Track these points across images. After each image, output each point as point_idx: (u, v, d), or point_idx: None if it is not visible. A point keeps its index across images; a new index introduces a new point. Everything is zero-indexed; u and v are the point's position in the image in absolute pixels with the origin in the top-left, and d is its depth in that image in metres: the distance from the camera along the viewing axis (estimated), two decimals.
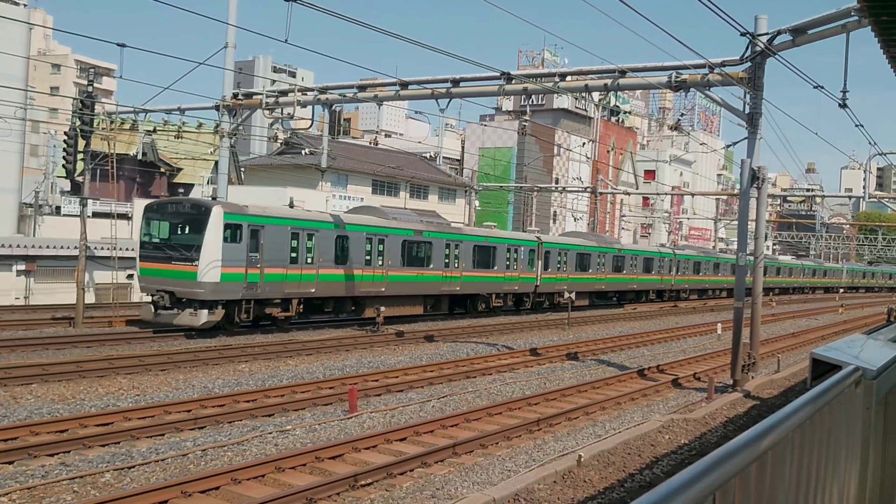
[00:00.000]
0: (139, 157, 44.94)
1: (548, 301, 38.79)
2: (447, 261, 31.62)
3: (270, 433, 12.33)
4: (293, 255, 24.83)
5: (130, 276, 35.21)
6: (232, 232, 22.97)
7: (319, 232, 25.87)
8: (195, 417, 13.03)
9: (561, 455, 11.40)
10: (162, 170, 48.71)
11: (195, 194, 47.51)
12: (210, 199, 25.32)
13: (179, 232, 23.69)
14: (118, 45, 22.29)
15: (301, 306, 25.65)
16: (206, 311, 22.46)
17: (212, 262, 22.28)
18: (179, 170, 49.57)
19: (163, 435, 12.14)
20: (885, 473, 3.83)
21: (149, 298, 23.71)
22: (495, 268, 34.45)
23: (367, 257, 27.76)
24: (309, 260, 25.34)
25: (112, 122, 34.52)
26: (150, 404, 13.82)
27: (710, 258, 57.89)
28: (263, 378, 17.37)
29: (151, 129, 38.12)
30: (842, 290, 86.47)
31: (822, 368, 2.84)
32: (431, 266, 30.86)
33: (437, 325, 29.65)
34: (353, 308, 28.39)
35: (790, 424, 2.01)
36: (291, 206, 27.93)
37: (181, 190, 49.47)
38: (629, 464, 11.19)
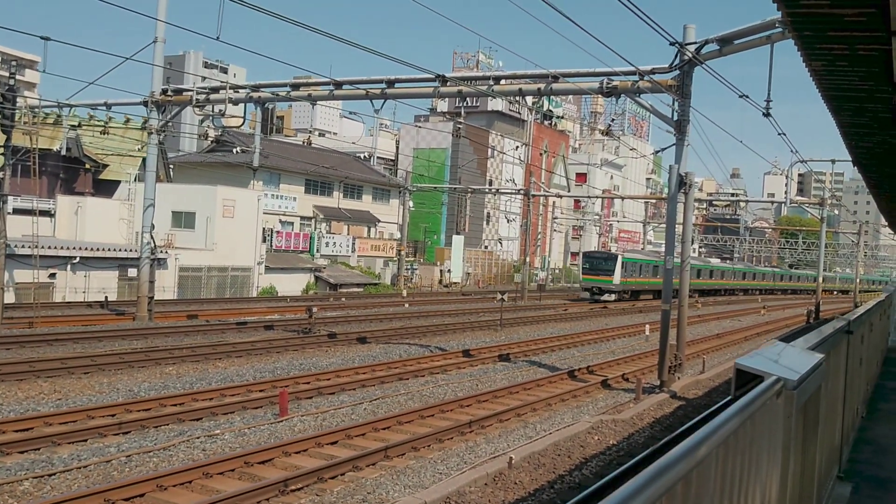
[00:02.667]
0: (63, 152, 43.79)
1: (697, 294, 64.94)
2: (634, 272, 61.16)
3: (198, 438, 12.10)
4: (633, 272, 55.33)
5: (53, 276, 34.22)
6: (622, 263, 52.95)
7: (635, 263, 56.24)
8: (119, 422, 12.70)
9: (492, 457, 11.47)
10: (87, 166, 47.29)
11: (121, 192, 46.39)
12: (615, 251, 61.76)
13: (604, 264, 52.81)
14: (42, 38, 21.61)
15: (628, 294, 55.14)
16: (614, 295, 52.04)
17: (617, 275, 52.05)
18: (105, 166, 48.20)
19: (85, 441, 11.80)
20: (804, 478, 3.97)
21: (583, 292, 54.09)
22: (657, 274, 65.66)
23: (645, 273, 57.56)
24: (635, 275, 55.83)
25: (35, 116, 33.37)
26: (73, 409, 13.40)
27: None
28: (191, 381, 17.03)
29: (76, 123, 37.06)
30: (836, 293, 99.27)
31: (745, 377, 2.91)
32: (656, 277, 58.97)
33: (372, 326, 29.58)
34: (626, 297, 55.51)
35: (718, 437, 2.06)
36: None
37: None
38: (559, 465, 11.33)
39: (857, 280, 68.70)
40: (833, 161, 45.79)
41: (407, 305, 40.69)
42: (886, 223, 35.42)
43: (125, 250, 37.60)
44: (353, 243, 58.08)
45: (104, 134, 32.72)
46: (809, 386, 3.29)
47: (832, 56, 7.12)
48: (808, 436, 3.78)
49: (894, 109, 8.83)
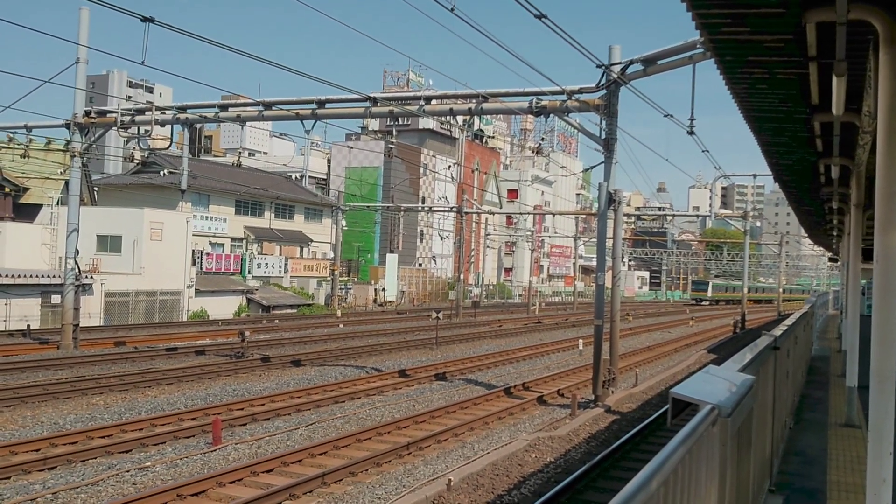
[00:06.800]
0: None
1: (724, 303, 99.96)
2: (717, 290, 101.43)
3: (128, 471, 11.75)
4: (717, 289, 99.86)
5: None
6: (712, 285, 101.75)
7: (717, 285, 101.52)
8: (45, 457, 12.26)
9: (431, 479, 11.42)
10: (6, 190, 45.69)
11: (44, 216, 44.98)
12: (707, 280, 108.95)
13: (703, 286, 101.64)
14: None
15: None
16: (707, 302, 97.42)
17: (710, 291, 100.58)
18: (26, 190, 46.65)
19: (8, 478, 11.35)
20: (739, 495, 4.05)
21: None
22: (729, 291, 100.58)
23: (722, 290, 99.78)
24: (718, 291, 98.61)
25: None
26: None
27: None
28: (120, 411, 16.55)
29: None
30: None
31: (681, 404, 2.96)
32: (725, 292, 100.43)
33: (306, 348, 29.22)
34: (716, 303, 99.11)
35: (666, 470, 2.10)
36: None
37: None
38: (498, 485, 11.33)
39: (781, 290, 70.82)
40: (754, 175, 47.34)
41: (341, 326, 40.36)
42: (806, 234, 36.67)
43: (48, 276, 36.42)
44: (286, 264, 57.42)
45: (25, 157, 31.68)
46: (742, 410, 3.36)
47: (752, 79, 7.36)
48: (741, 456, 3.86)
49: (811, 129, 9.15)
